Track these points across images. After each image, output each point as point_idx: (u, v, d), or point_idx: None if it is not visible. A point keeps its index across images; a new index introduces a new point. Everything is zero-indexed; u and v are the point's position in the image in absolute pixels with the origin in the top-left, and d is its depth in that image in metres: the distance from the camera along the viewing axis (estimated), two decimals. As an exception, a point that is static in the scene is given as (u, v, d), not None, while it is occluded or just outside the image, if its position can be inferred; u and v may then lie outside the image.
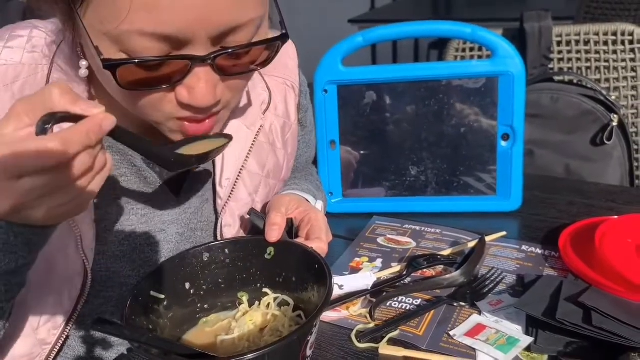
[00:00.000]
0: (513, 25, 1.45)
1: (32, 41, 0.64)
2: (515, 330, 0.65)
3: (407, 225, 0.92)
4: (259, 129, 0.78)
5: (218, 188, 0.75)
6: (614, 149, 1.27)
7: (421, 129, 0.93)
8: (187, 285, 0.65)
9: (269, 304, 0.65)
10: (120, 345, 0.70)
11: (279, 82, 0.83)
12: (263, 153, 0.80)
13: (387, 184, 0.97)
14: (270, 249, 0.67)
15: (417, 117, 0.93)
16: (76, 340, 0.69)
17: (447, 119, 0.92)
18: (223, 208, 0.75)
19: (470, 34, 0.88)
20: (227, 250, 0.67)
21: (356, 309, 0.71)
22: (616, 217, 0.81)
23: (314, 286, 0.62)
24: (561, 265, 0.77)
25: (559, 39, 1.50)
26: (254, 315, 0.64)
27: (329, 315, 0.70)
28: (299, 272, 0.65)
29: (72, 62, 0.63)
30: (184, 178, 0.74)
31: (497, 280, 0.73)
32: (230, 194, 0.76)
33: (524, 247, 0.82)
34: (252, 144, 0.77)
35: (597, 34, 1.47)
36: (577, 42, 1.49)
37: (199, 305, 0.66)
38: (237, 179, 0.76)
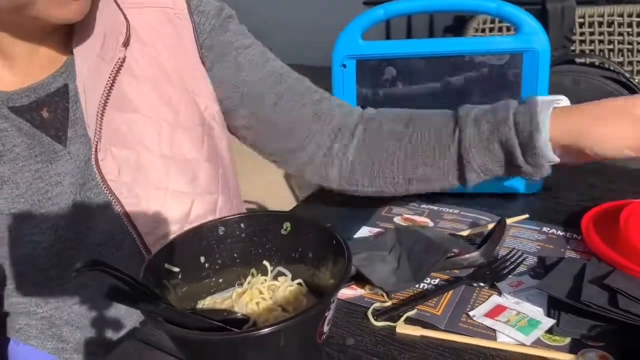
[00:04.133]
0: (535, 6, 1.41)
1: None
2: (536, 312, 0.63)
3: (424, 205, 0.90)
4: (119, 63, 0.72)
5: (88, 130, 0.72)
6: None
7: (442, 106, 0.90)
8: (202, 259, 0.64)
9: (264, 279, 0.65)
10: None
11: (150, 11, 0.77)
12: (132, 90, 0.74)
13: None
14: (287, 224, 0.65)
15: (438, 93, 0.90)
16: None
17: (469, 96, 0.89)
18: (96, 148, 0.71)
19: (495, 8, 0.85)
20: (242, 225, 0.66)
21: (372, 286, 0.70)
22: (641, 200, 0.78)
23: (331, 262, 0.61)
24: (583, 247, 0.75)
25: (581, 20, 1.46)
26: (253, 294, 0.63)
27: (345, 293, 0.69)
28: (315, 247, 0.63)
29: None
30: (66, 126, 0.73)
31: (518, 261, 0.71)
32: (100, 135, 0.71)
33: (544, 229, 0.80)
34: (113, 80, 0.72)
35: (621, 15, 1.43)
36: (600, 23, 1.45)
37: (213, 279, 0.65)
38: (100, 118, 0.71)
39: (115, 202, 0.73)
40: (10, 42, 0.71)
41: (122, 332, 0.78)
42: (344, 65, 0.91)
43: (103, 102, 0.71)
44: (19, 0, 0.63)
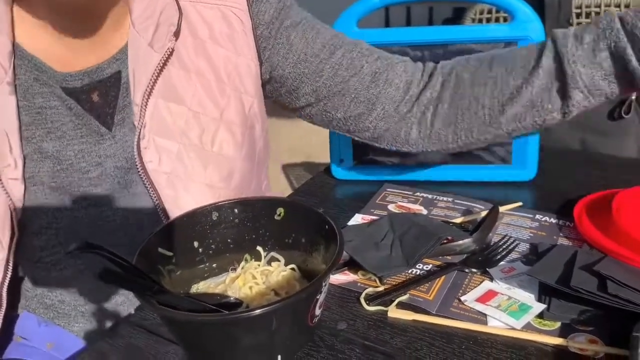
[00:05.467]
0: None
1: None
2: (527, 297, 0.64)
3: (418, 193, 0.90)
4: (169, 53, 0.74)
5: (133, 117, 0.74)
6: (632, 123, 1.24)
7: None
8: (196, 244, 0.65)
9: (258, 264, 0.66)
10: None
11: (208, 7, 0.77)
12: (180, 82, 0.75)
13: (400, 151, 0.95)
14: (280, 210, 0.66)
15: (432, 82, 0.90)
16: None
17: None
18: (140, 135, 0.73)
19: (490, -4, 0.85)
20: (236, 210, 0.66)
21: (365, 272, 0.70)
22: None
23: (323, 247, 0.61)
24: (576, 235, 0.76)
25: (578, 10, 1.46)
26: (246, 278, 0.64)
27: (338, 279, 0.69)
28: (308, 233, 0.64)
29: None
30: (114, 111, 0.74)
31: (510, 247, 0.72)
32: (144, 122, 0.73)
33: (537, 217, 0.81)
34: (161, 69, 0.74)
35: (618, 5, 1.43)
36: (597, 14, 1.45)
37: (207, 264, 0.66)
38: (144, 106, 0.73)
39: (152, 191, 0.74)
40: (58, 19, 0.70)
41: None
42: (339, 53, 0.91)
43: (149, 90, 0.73)
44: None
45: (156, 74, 0.73)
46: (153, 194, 0.74)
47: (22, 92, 0.70)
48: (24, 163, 0.70)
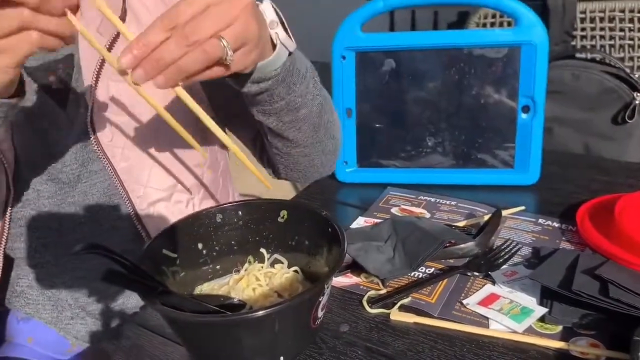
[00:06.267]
0: (536, 1, 1.41)
1: None
2: (529, 301, 0.64)
3: (421, 197, 0.91)
4: (114, 35, 0.75)
5: (86, 98, 0.75)
6: (636, 127, 1.24)
7: (440, 98, 0.91)
8: (200, 246, 0.65)
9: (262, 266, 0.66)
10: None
11: None
12: None
13: (403, 155, 0.96)
14: (284, 212, 0.66)
15: (436, 86, 0.91)
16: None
17: (467, 89, 0.90)
18: (91, 114, 0.75)
19: (494, 1, 0.85)
20: (240, 212, 0.67)
21: (368, 275, 0.70)
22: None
23: (326, 249, 0.61)
24: (578, 239, 0.76)
25: (582, 15, 1.46)
26: (249, 280, 0.64)
27: (341, 281, 0.70)
28: (311, 235, 0.64)
29: None
30: (68, 92, 0.76)
31: (512, 251, 0.72)
32: (93, 102, 0.75)
33: (540, 221, 0.81)
34: (108, 51, 0.73)
35: (622, 10, 1.43)
36: (602, 19, 1.45)
37: (210, 266, 0.66)
38: (94, 87, 0.75)
39: (107, 164, 0.76)
40: None
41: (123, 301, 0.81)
42: (344, 57, 0.91)
43: (97, 71, 0.75)
44: None
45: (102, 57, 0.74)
46: (109, 168, 0.76)
47: None
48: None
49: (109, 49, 0.75)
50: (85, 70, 0.75)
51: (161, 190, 0.80)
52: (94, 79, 0.75)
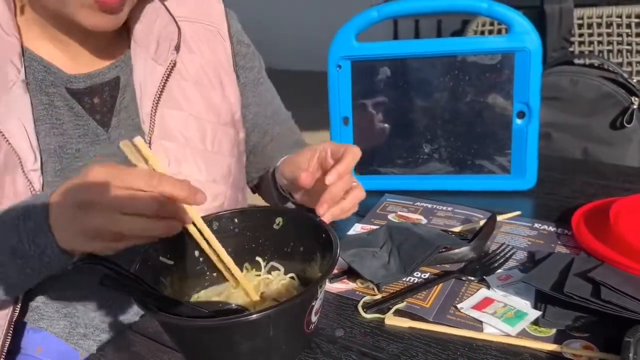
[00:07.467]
0: (533, 8, 1.42)
1: None
2: (523, 304, 0.64)
3: (418, 203, 0.91)
4: (171, 65, 0.81)
5: (142, 124, 0.80)
6: (634, 132, 1.25)
7: (435, 105, 0.92)
8: (197, 253, 0.66)
9: (259, 273, 0.68)
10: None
11: (198, 26, 0.87)
12: (184, 91, 0.83)
13: (400, 162, 0.97)
14: (279, 219, 0.67)
15: (431, 93, 0.92)
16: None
17: (462, 96, 0.91)
18: (150, 141, 0.79)
19: (487, 8, 0.86)
20: (236, 220, 0.68)
21: (363, 281, 0.71)
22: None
23: (320, 255, 0.62)
24: (573, 243, 0.76)
25: (580, 21, 1.47)
26: (246, 286, 0.65)
27: (336, 287, 0.70)
28: (306, 241, 0.65)
29: None
30: (111, 114, 0.80)
31: (507, 255, 0.72)
32: (153, 129, 0.79)
33: (536, 225, 0.81)
34: (165, 80, 0.81)
35: (620, 16, 1.44)
36: (599, 24, 1.46)
37: (207, 273, 0.67)
38: (154, 114, 0.79)
39: None
40: (64, 30, 0.77)
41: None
42: (339, 66, 0.92)
43: (157, 100, 0.80)
44: (51, 1, 0.71)
45: (162, 85, 0.80)
46: None
47: (32, 91, 0.75)
48: (41, 157, 0.74)
49: (167, 79, 0.81)
50: (143, 98, 0.80)
51: (208, 210, 0.82)
52: (154, 108, 0.79)
